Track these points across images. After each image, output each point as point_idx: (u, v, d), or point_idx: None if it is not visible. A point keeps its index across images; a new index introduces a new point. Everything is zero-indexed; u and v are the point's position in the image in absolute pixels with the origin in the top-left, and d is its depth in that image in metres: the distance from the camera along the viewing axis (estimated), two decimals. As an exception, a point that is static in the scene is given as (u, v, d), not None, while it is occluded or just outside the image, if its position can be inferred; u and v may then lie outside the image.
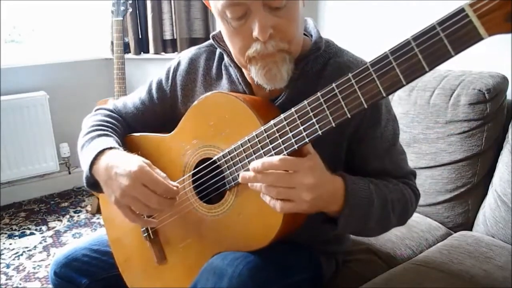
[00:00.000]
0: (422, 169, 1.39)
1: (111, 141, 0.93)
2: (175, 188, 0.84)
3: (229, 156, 0.83)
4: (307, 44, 0.89)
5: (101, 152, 0.89)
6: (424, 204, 1.40)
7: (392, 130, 0.91)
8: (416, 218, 1.37)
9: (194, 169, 0.90)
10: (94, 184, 0.91)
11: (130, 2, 2.28)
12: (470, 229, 1.35)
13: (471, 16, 0.56)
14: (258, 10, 0.76)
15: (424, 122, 1.38)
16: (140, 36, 2.59)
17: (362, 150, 0.89)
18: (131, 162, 0.83)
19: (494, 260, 1.10)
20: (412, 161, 1.41)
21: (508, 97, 1.35)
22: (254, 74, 0.83)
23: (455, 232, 1.33)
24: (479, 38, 0.56)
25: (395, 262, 1.16)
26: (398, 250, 1.22)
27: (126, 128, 1.07)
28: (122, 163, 0.84)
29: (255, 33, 0.76)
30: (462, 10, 0.57)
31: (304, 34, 0.92)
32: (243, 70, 0.91)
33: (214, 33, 0.94)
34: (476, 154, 1.31)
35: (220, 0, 0.77)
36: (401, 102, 1.44)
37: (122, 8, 2.24)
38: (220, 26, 0.84)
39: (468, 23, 0.56)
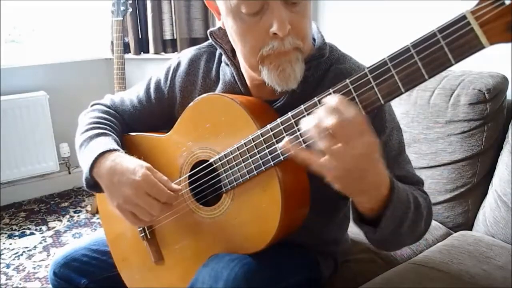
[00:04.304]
0: (422, 169, 1.39)
1: (111, 142, 0.92)
2: (176, 193, 0.84)
3: (225, 159, 0.82)
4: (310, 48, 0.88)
5: (102, 155, 0.88)
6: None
7: (397, 138, 0.89)
8: (416, 218, 1.37)
9: (191, 170, 0.90)
10: (94, 186, 0.90)
11: (130, 2, 2.27)
12: (470, 229, 1.35)
13: (473, 24, 0.54)
14: (276, 4, 0.73)
15: (424, 122, 1.38)
16: (140, 36, 2.59)
17: None
18: (135, 169, 0.83)
19: (494, 260, 1.09)
20: (412, 161, 1.39)
21: (508, 97, 1.35)
22: (266, 75, 0.80)
23: (455, 232, 1.33)
24: (481, 47, 0.55)
25: (395, 262, 1.16)
26: (398, 250, 1.22)
27: (124, 125, 1.06)
28: (125, 170, 0.84)
29: (274, 28, 0.74)
30: (463, 17, 0.55)
31: None
32: (243, 70, 0.90)
33: (211, 29, 0.91)
34: (476, 154, 1.31)
35: None
36: (401, 102, 1.44)
37: (122, 8, 2.23)
38: (229, 25, 0.81)
39: (469, 31, 0.55)
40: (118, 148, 0.91)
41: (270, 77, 0.79)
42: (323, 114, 0.62)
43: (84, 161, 0.91)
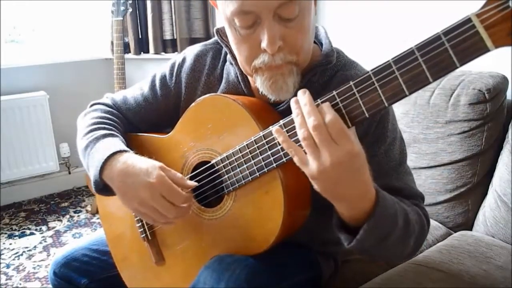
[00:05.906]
0: (422, 169, 1.39)
1: (119, 143, 0.90)
2: (192, 188, 0.83)
3: (227, 161, 0.82)
4: (316, 53, 0.87)
5: (112, 156, 0.85)
6: (424, 204, 1.40)
7: (399, 149, 0.87)
8: (416, 218, 1.37)
9: (192, 171, 0.90)
10: (103, 189, 0.88)
11: (130, 2, 2.28)
12: (470, 229, 1.35)
13: (478, 26, 0.54)
14: (268, 20, 0.72)
15: (424, 122, 1.38)
16: (140, 36, 2.59)
17: None
18: (148, 170, 0.81)
19: (494, 260, 1.10)
20: (412, 161, 1.41)
21: (508, 97, 1.35)
22: (259, 84, 0.80)
23: (455, 232, 1.33)
24: (486, 50, 0.54)
25: (395, 262, 1.16)
26: (398, 250, 1.22)
27: (127, 124, 1.04)
28: (138, 171, 0.82)
29: (264, 44, 0.74)
30: (468, 20, 0.55)
31: (314, 42, 0.89)
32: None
33: (218, 27, 0.91)
34: (476, 154, 1.31)
35: (229, 7, 0.74)
36: (401, 102, 1.40)
37: (122, 8, 2.24)
38: (227, 31, 0.81)
39: (474, 34, 0.54)
40: (128, 149, 0.89)
41: (263, 87, 0.80)
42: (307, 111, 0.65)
43: (92, 163, 0.88)
